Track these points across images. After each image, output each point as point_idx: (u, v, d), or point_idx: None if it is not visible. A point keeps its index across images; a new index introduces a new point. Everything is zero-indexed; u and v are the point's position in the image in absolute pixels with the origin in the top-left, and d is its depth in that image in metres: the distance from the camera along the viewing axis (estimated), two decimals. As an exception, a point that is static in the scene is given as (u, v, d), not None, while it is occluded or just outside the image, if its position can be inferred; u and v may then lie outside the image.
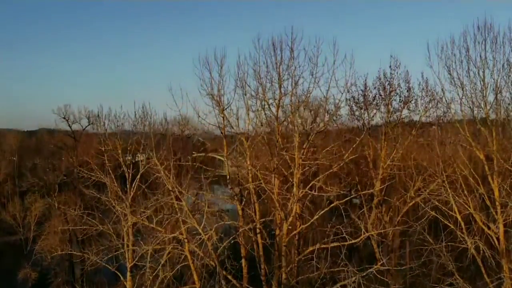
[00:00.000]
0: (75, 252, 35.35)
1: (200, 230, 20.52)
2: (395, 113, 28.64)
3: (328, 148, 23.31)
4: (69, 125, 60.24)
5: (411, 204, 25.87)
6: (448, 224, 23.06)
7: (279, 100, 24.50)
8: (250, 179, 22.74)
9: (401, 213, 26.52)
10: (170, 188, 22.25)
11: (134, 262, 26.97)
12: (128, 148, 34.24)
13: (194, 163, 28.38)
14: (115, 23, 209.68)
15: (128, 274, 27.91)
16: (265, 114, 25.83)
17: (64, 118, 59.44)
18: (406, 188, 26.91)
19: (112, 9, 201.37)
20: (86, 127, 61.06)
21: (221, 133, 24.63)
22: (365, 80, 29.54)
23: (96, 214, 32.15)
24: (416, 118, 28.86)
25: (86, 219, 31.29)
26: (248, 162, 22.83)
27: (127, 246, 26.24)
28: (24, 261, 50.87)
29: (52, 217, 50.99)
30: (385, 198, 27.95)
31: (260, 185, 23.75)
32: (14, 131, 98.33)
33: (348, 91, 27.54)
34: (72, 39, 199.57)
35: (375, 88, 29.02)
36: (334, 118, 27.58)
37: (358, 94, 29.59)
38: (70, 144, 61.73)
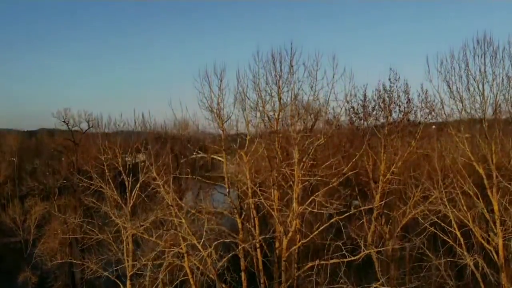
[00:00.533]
0: (75, 261, 35.38)
1: (199, 247, 20.55)
2: (394, 124, 28.63)
3: (328, 163, 23.30)
4: (69, 128, 60.15)
5: (410, 216, 25.85)
6: (448, 240, 23.07)
7: (278, 113, 24.57)
8: (249, 194, 22.73)
9: (400, 225, 26.52)
10: (170, 203, 22.25)
11: (134, 271, 27.04)
12: (127, 155, 34.27)
13: (194, 177, 28.28)
14: (115, 23, 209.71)
15: (128, 282, 27.96)
16: (264, 126, 25.92)
17: (64, 121, 59.36)
18: (406, 200, 26.85)
19: (112, 10, 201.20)
20: (86, 130, 61.00)
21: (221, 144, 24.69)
22: (365, 91, 29.68)
23: (96, 222, 32.15)
24: (415, 128, 28.83)
25: (85, 228, 31.33)
26: (248, 177, 22.82)
27: (127, 258, 26.24)
28: (24, 264, 50.90)
29: (52, 221, 50.94)
30: (385, 211, 27.97)
31: (260, 199, 23.75)
32: (14, 131, 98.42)
33: (348, 102, 27.70)
34: (72, 40, 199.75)
35: (374, 101, 29.16)
36: (334, 127, 27.57)
37: (358, 105, 29.72)
38: (70, 147, 61.55)
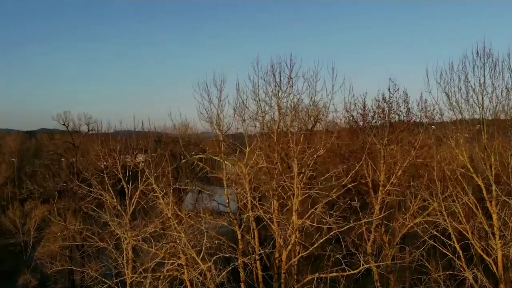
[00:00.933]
0: (75, 268, 35.33)
1: (199, 261, 20.56)
2: (394, 134, 28.58)
3: (327, 175, 23.31)
4: (68, 131, 60.25)
5: (409, 226, 25.81)
6: (447, 253, 23.07)
7: (278, 123, 24.63)
8: (249, 206, 22.75)
9: (400, 235, 26.50)
10: (169, 216, 22.26)
11: (134, 279, 27.03)
12: (128, 156, 34.17)
13: (194, 187, 28.27)
14: (115, 23, 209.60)
15: (128, 288, 27.98)
16: (264, 135, 25.97)
17: (64, 125, 59.55)
18: (405, 211, 26.78)
19: (112, 10, 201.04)
20: (86, 133, 61.11)
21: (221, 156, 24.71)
22: (364, 100, 29.73)
23: (96, 229, 32.11)
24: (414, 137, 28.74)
25: (85, 234, 31.31)
26: (247, 189, 22.83)
27: (127, 271, 26.26)
28: (24, 266, 50.97)
29: (52, 224, 50.87)
30: (384, 221, 27.90)
31: (260, 206, 23.74)
32: (14, 131, 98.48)
33: (347, 111, 27.76)
34: (73, 39, 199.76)
35: (373, 110, 29.22)
36: (333, 138, 27.57)
37: (357, 113, 29.77)
38: (70, 149, 61.52)
